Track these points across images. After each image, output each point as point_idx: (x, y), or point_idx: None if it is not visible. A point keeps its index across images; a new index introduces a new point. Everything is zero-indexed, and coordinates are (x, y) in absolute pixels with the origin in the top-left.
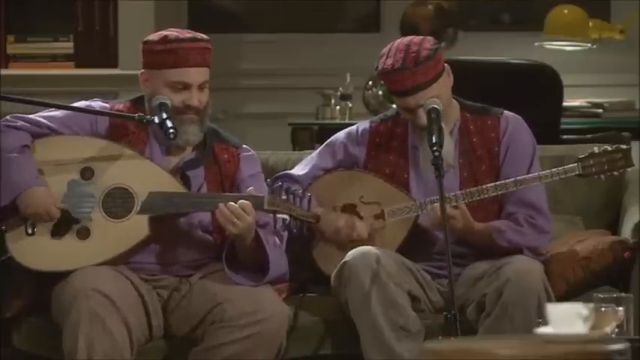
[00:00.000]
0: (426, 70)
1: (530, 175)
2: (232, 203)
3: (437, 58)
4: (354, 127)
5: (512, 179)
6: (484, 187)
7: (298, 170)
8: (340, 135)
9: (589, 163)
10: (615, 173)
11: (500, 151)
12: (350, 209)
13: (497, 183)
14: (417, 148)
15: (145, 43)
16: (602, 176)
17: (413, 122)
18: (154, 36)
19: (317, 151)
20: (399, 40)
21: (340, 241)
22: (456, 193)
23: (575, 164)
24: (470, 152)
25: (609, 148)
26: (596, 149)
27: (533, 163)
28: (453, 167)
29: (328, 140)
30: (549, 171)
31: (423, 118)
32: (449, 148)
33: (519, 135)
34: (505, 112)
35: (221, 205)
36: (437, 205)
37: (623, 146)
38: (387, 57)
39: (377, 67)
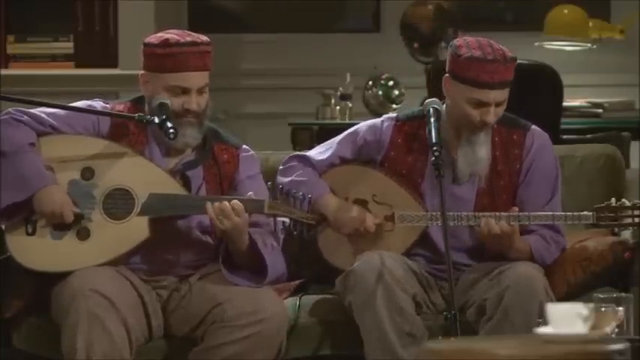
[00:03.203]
0: (511, 70)
1: (545, 213)
2: (220, 203)
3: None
4: (378, 121)
5: (525, 214)
6: (497, 214)
7: (317, 154)
8: (363, 127)
9: (604, 215)
10: (630, 229)
11: (522, 169)
12: (361, 205)
13: (512, 214)
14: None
15: (146, 45)
16: (616, 229)
17: (474, 119)
18: (155, 39)
19: (339, 137)
20: (471, 38)
21: (349, 229)
22: (469, 214)
23: (591, 213)
24: (491, 165)
25: (627, 203)
26: (613, 200)
27: (555, 192)
28: (480, 183)
29: (352, 129)
30: (563, 214)
31: (491, 115)
32: (485, 162)
33: (542, 157)
34: (533, 127)
35: (208, 204)
36: (492, 223)
37: None
38: (470, 48)
39: (459, 54)
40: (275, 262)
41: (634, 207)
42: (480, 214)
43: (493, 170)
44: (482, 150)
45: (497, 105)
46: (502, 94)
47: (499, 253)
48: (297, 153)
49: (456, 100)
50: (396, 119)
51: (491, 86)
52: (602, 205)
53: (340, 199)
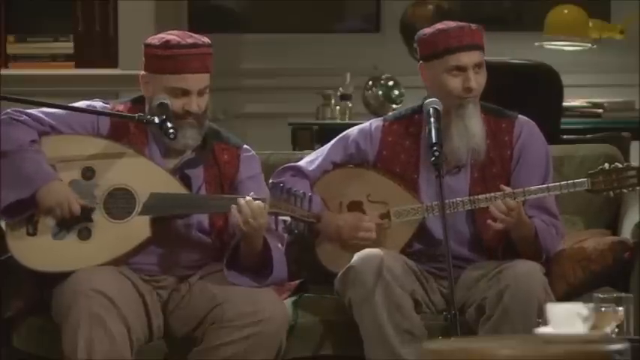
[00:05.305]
0: (480, 36)
1: (538, 187)
2: (254, 201)
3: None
4: (367, 124)
5: (520, 189)
6: (491, 195)
7: (308, 163)
8: (353, 131)
9: (598, 179)
10: (624, 191)
11: (513, 156)
12: (356, 206)
13: (506, 192)
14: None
15: (147, 46)
16: (611, 193)
17: (456, 89)
18: (156, 39)
19: (330, 143)
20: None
21: (343, 239)
22: (464, 199)
23: (585, 179)
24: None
25: (620, 166)
26: (606, 165)
27: (547, 176)
28: (480, 158)
29: (341, 134)
30: (558, 184)
31: (472, 80)
32: (480, 135)
33: (532, 142)
34: (520, 116)
35: (241, 201)
36: (498, 202)
37: (635, 164)
38: (434, 27)
39: (424, 34)
40: (279, 263)
41: (627, 168)
42: (475, 197)
43: (485, 158)
44: (474, 123)
45: (475, 70)
46: (477, 56)
47: (500, 240)
48: (290, 164)
49: (435, 79)
50: (384, 120)
51: (462, 49)
52: (596, 170)
53: (327, 212)
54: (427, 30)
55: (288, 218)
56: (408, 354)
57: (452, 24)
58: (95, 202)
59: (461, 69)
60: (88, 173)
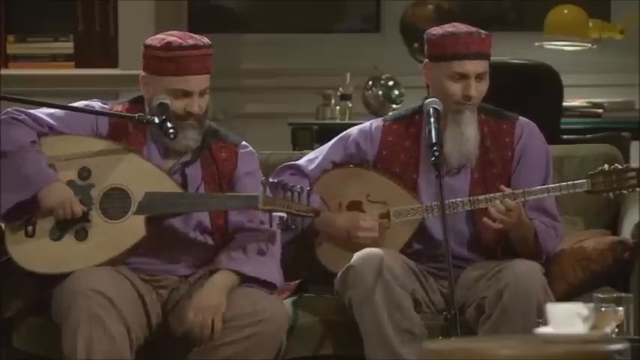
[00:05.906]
0: (488, 43)
1: (538, 187)
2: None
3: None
4: (367, 124)
5: (520, 190)
6: (491, 195)
7: (308, 162)
8: (353, 131)
9: (598, 180)
10: (624, 192)
11: (514, 157)
12: (356, 206)
13: (506, 193)
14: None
15: (147, 47)
16: (611, 194)
17: (456, 95)
18: (156, 41)
19: (330, 142)
20: (445, 25)
21: (344, 238)
22: (463, 199)
23: (585, 180)
24: (482, 155)
25: (620, 167)
26: (606, 166)
27: (547, 177)
28: (471, 165)
29: (342, 134)
30: (558, 185)
31: (472, 88)
32: (474, 142)
33: (533, 143)
34: (520, 117)
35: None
36: (497, 202)
37: (635, 165)
38: (443, 28)
39: (434, 34)
40: (278, 273)
41: (627, 170)
42: (475, 197)
43: (485, 159)
44: (469, 130)
45: (478, 79)
46: (481, 66)
47: (499, 240)
48: (289, 163)
49: (437, 80)
50: (384, 120)
51: (468, 56)
52: (596, 171)
53: (325, 212)
54: (437, 30)
55: (284, 214)
56: (408, 354)
57: (462, 28)
58: (92, 202)
59: (463, 76)
60: (84, 173)
